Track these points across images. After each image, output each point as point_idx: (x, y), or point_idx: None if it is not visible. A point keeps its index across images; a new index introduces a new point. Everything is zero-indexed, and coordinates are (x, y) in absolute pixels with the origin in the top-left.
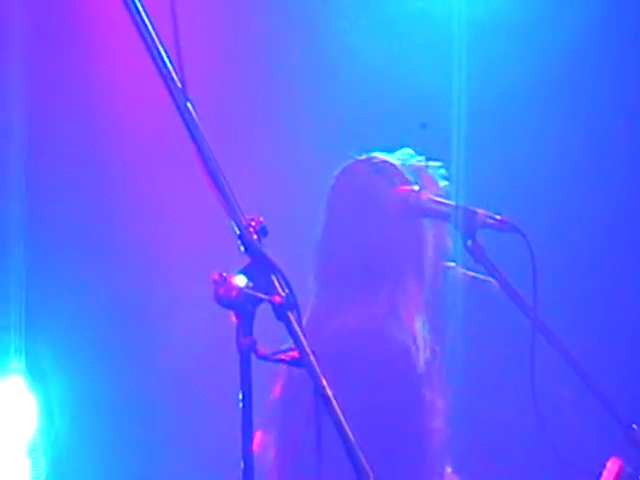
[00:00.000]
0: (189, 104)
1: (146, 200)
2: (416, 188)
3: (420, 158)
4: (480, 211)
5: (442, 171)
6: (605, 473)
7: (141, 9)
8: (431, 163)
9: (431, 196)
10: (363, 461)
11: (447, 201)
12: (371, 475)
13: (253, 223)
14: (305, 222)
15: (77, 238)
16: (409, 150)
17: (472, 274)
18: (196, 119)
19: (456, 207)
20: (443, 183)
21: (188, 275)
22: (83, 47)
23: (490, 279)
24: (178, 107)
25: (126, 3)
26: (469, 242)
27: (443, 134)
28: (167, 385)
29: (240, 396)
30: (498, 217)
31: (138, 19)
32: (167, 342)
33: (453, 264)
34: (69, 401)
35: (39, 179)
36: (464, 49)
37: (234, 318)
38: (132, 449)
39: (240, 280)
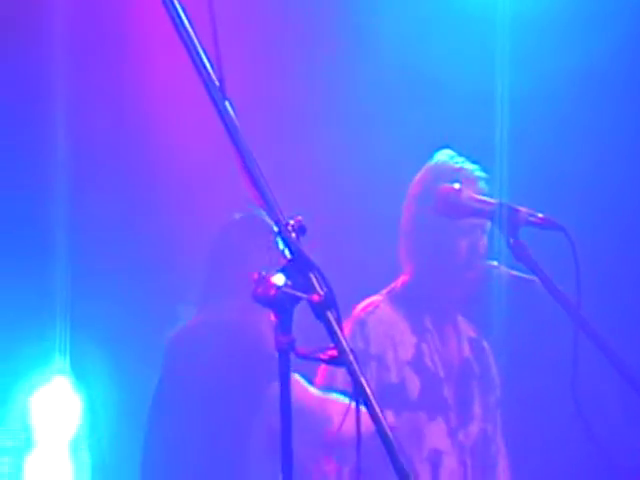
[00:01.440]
0: (227, 103)
1: (189, 203)
2: (457, 186)
3: (460, 159)
4: (522, 209)
5: (481, 172)
6: None
7: (179, 8)
8: (470, 164)
9: (473, 194)
10: (403, 461)
11: (489, 199)
12: (412, 476)
13: (292, 222)
14: (340, 221)
15: (122, 239)
16: (449, 151)
17: (515, 273)
18: (235, 119)
19: (498, 205)
20: (482, 184)
21: None
22: (124, 48)
23: (533, 277)
24: (217, 107)
25: (165, 2)
26: (511, 240)
27: (486, 133)
28: None
29: (279, 395)
30: (540, 215)
31: (177, 19)
32: None
33: (496, 263)
34: (113, 401)
35: (83, 181)
36: (507, 46)
37: (273, 317)
38: None
39: (279, 279)
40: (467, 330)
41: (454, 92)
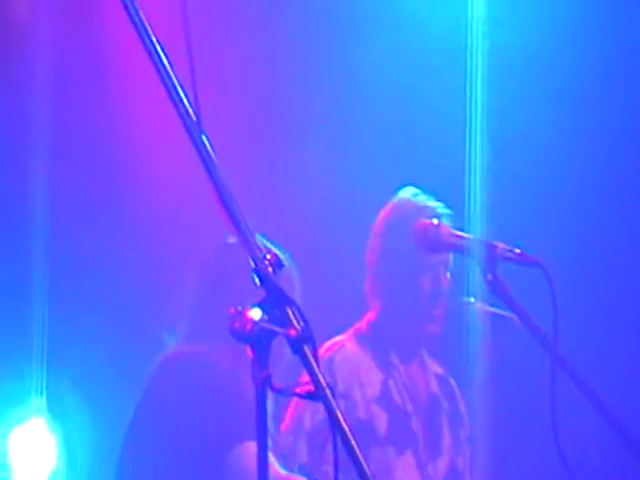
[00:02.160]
0: (204, 137)
1: (168, 234)
2: (435, 222)
3: (423, 196)
4: (500, 245)
5: (444, 209)
6: None
7: (157, 45)
8: (433, 202)
9: (451, 230)
10: None
11: (467, 235)
12: None
13: (268, 256)
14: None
15: (100, 277)
16: (412, 188)
17: (492, 309)
18: (212, 153)
19: (476, 241)
20: (446, 220)
21: None
22: (104, 78)
23: (510, 314)
24: (193, 141)
25: (143, 39)
26: (489, 276)
27: (462, 167)
28: None
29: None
30: (518, 251)
31: (154, 54)
32: None
33: (473, 299)
34: (90, 441)
35: (62, 215)
36: (482, 72)
37: (249, 352)
38: None
39: (255, 313)
40: (433, 366)
41: (428, 123)
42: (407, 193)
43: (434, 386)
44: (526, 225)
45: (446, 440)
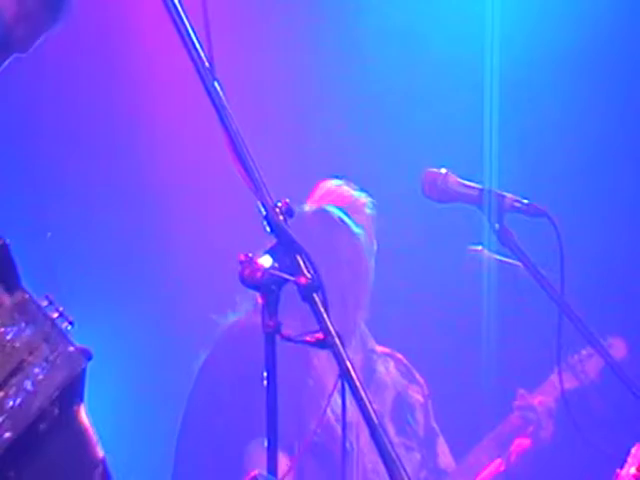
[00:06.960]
0: (217, 84)
1: (180, 201)
2: (444, 171)
3: (349, 189)
4: (508, 195)
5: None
6: (630, 459)
7: None
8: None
9: (459, 179)
10: (394, 456)
11: (475, 185)
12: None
13: (279, 204)
14: None
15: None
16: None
17: (499, 258)
18: (223, 99)
19: (484, 191)
20: (370, 211)
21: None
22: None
23: (517, 263)
24: (205, 86)
25: None
26: (497, 226)
27: (475, 121)
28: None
29: (265, 375)
30: (526, 201)
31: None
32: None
33: (480, 248)
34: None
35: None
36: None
37: (259, 299)
38: (160, 423)
39: (266, 261)
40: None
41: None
42: (334, 185)
43: (371, 345)
44: (535, 177)
45: (386, 377)
